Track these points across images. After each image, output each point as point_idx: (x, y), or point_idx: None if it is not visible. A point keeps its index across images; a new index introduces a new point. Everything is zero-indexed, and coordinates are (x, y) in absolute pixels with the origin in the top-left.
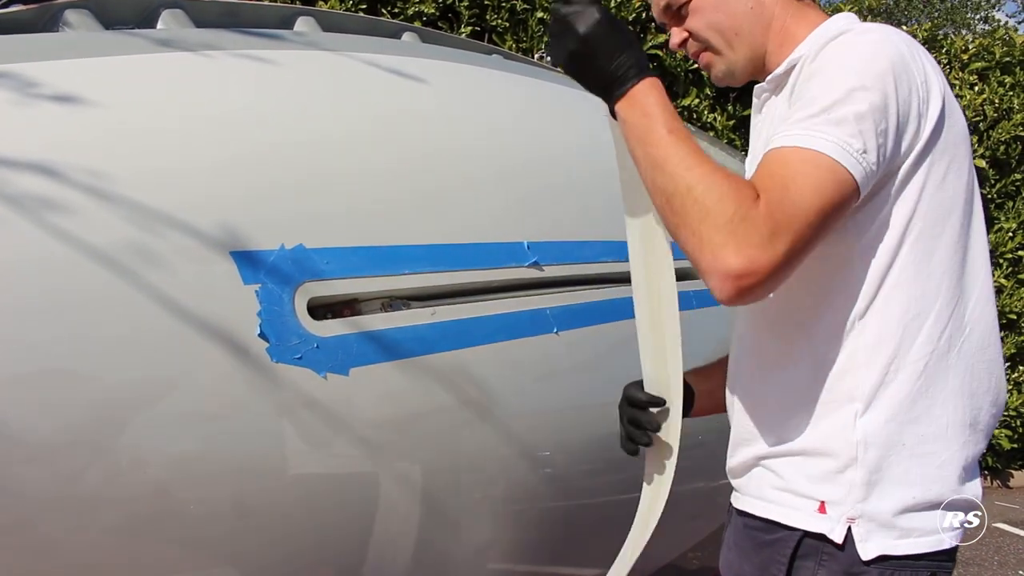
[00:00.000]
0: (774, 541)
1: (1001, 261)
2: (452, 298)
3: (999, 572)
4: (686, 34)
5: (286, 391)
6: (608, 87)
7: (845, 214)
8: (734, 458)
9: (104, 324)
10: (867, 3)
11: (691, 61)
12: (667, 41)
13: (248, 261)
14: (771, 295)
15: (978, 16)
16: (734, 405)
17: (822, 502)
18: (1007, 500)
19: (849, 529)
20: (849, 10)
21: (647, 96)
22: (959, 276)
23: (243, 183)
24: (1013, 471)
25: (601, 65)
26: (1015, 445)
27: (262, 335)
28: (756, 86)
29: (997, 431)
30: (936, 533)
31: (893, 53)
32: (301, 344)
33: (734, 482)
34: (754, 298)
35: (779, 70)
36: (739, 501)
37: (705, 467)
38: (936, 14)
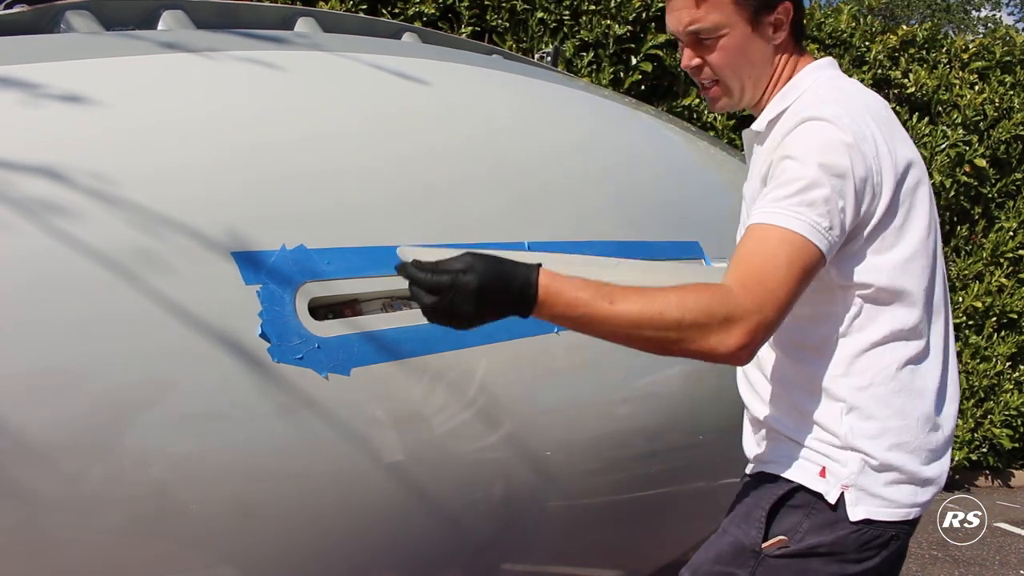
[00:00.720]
0: (770, 486)
1: (1002, 261)
2: None
3: (1000, 572)
4: (701, 62)
5: (287, 391)
6: (516, 311)
7: (815, 276)
8: (749, 443)
9: (105, 324)
10: (867, 2)
11: None
12: (667, 41)
13: (249, 261)
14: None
15: (979, 18)
16: (749, 405)
17: (823, 467)
18: (1008, 500)
19: (842, 494)
20: (850, 10)
21: (557, 294)
22: (921, 299)
23: (244, 183)
24: (1014, 470)
25: (502, 303)
26: (1016, 445)
27: (263, 335)
28: (744, 132)
29: (998, 430)
30: (908, 507)
31: (851, 142)
32: (302, 344)
33: (751, 457)
34: (759, 350)
35: (758, 126)
36: (751, 468)
37: (706, 467)
38: (935, 14)
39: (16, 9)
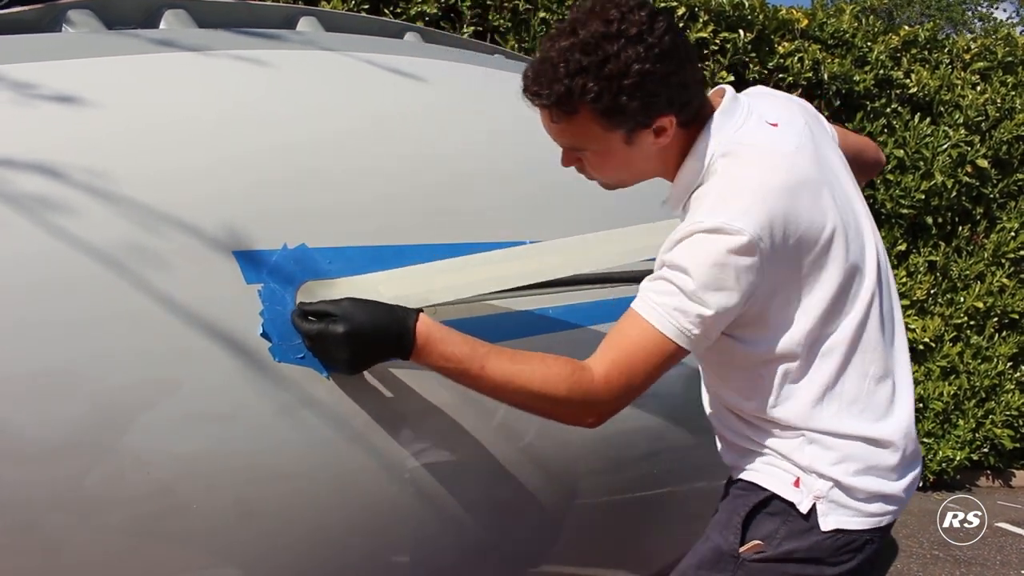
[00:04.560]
0: (747, 493)
1: (1003, 261)
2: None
3: (1001, 572)
4: (580, 164)
5: (289, 391)
6: (395, 356)
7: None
8: (725, 452)
9: (104, 324)
10: (868, 3)
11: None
12: None
13: (250, 260)
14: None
15: (976, 16)
16: (717, 429)
17: (797, 477)
18: (1009, 500)
19: (814, 505)
20: (851, 10)
21: (434, 344)
22: (854, 341)
23: (245, 182)
24: (1015, 470)
25: (377, 349)
26: (1017, 445)
27: (265, 335)
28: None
29: (999, 431)
30: (879, 516)
31: (742, 246)
32: (304, 344)
33: (728, 463)
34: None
35: (674, 208)
36: (733, 473)
37: (707, 467)
38: (932, 13)
39: (17, 8)
